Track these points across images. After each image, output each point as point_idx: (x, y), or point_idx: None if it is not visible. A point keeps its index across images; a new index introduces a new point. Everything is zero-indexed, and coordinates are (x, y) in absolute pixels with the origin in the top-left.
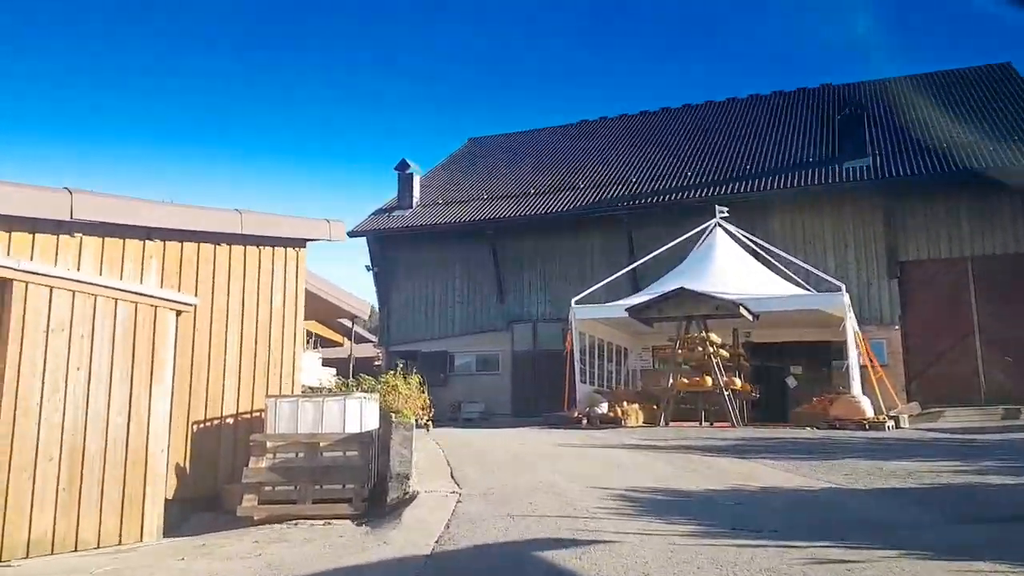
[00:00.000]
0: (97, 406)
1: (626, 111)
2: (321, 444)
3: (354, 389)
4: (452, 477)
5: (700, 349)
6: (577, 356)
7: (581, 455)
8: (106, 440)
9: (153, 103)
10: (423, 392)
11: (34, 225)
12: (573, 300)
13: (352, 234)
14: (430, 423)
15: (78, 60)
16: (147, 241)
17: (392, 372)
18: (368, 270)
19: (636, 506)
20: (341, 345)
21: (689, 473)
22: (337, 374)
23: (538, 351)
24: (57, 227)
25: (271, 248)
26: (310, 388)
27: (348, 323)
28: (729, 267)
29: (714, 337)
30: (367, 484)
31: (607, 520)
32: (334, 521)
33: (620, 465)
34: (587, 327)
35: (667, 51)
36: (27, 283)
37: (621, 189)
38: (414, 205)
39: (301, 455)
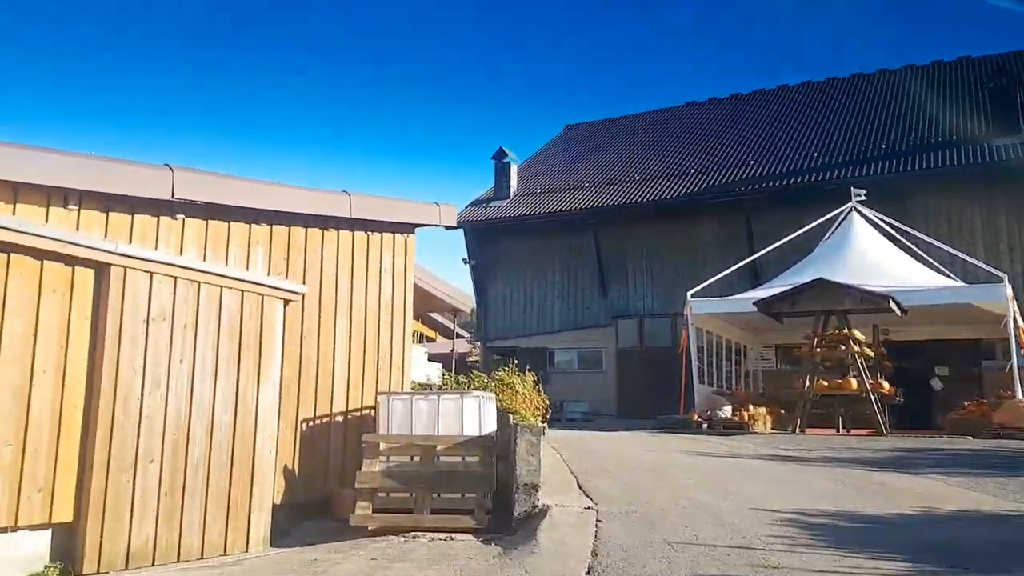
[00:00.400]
0: (201, 403)
1: (738, 91)
2: (438, 447)
3: (465, 387)
4: (581, 489)
5: (843, 348)
6: (694, 354)
7: (722, 467)
8: (211, 440)
9: (226, 99)
10: (539, 391)
11: (133, 205)
12: (689, 293)
13: (448, 226)
14: (545, 425)
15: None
16: (253, 225)
17: (505, 368)
18: (465, 263)
19: (817, 535)
20: (434, 340)
21: (859, 492)
22: (444, 370)
23: (645, 348)
24: (158, 208)
25: (379, 234)
26: (419, 385)
27: (444, 317)
28: (869, 256)
29: (858, 334)
30: (489, 494)
31: (789, 554)
32: (456, 536)
33: (772, 480)
34: (703, 322)
35: (779, 26)
36: (126, 268)
37: (738, 172)
38: (512, 195)
39: (416, 459)
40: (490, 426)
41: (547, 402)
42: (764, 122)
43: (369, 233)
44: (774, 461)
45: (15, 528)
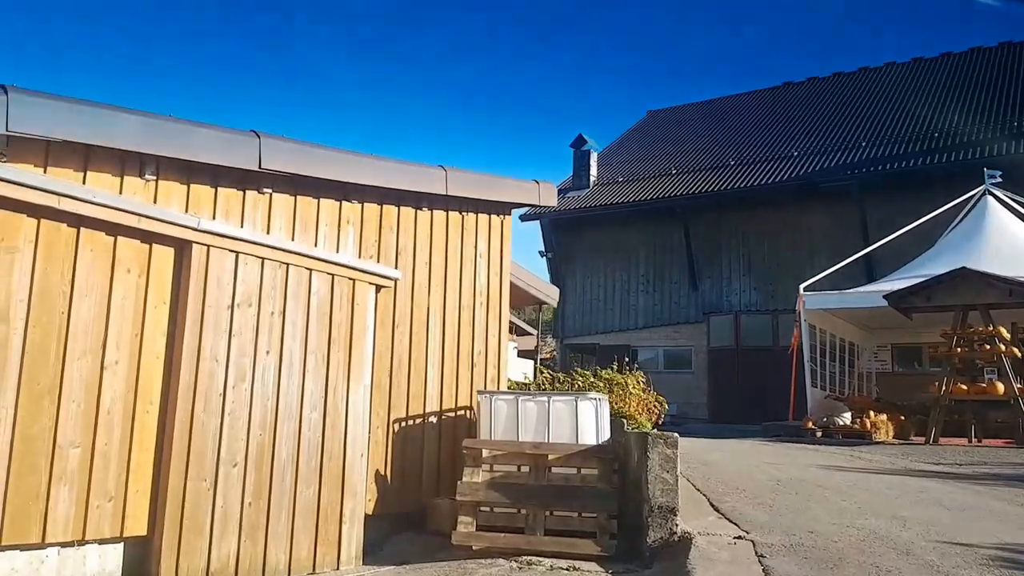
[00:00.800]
0: (289, 399)
1: (840, 69)
2: (550, 457)
3: (568, 386)
4: (717, 511)
5: (988, 347)
6: (807, 354)
7: (871, 484)
8: (299, 442)
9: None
10: (653, 393)
11: (216, 176)
12: (801, 287)
13: (524, 218)
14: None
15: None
16: (344, 202)
17: (611, 366)
18: (542, 256)
19: None
20: None
21: None
22: (542, 367)
23: (741, 348)
24: (243, 180)
25: (474, 214)
26: (515, 384)
27: (512, 311)
28: (1009, 243)
29: (1004, 332)
30: (613, 515)
31: None
32: (578, 563)
33: (942, 503)
34: (814, 319)
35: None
36: (208, 247)
37: (848, 155)
38: (591, 184)
39: (525, 470)
40: (606, 433)
41: (665, 406)
42: (872, 101)
43: (464, 213)
44: (927, 478)
45: (83, 542)
